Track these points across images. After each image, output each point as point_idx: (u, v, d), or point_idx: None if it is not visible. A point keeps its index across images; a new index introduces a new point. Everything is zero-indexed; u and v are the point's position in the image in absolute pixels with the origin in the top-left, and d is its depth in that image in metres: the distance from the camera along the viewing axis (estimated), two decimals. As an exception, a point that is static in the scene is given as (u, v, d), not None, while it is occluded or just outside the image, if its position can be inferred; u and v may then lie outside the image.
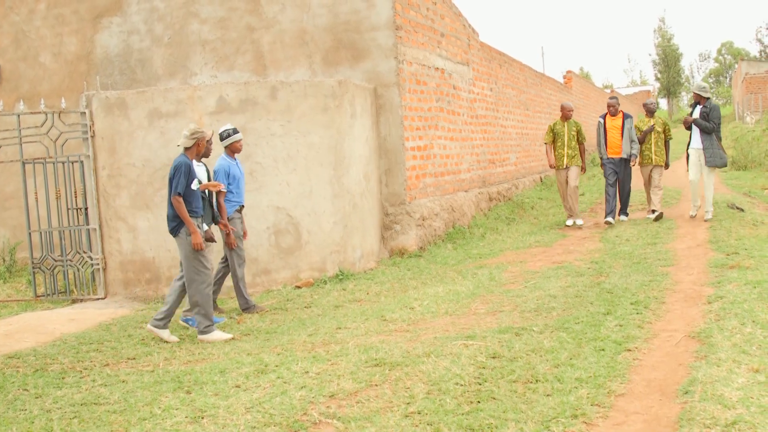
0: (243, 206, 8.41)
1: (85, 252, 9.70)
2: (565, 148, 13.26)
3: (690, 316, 6.55)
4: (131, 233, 9.44)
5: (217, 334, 7.19)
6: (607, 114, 13.20)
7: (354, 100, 9.92)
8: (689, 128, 12.31)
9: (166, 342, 7.19)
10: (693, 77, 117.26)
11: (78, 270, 9.73)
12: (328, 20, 11.06)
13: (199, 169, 7.64)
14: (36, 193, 10.01)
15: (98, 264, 9.63)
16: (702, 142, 12.04)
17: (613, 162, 13.05)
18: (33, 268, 9.91)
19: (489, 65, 16.21)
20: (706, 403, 4.34)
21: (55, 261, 9.78)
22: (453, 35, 13.60)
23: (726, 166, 12.56)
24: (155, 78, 12.04)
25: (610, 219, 12.70)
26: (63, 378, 5.91)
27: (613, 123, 13.07)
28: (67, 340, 7.29)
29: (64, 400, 5.28)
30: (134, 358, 6.52)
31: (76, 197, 9.82)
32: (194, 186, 7.23)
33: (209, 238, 7.49)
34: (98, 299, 9.57)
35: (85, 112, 9.61)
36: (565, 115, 13.40)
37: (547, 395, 4.70)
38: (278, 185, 9.31)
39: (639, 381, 4.97)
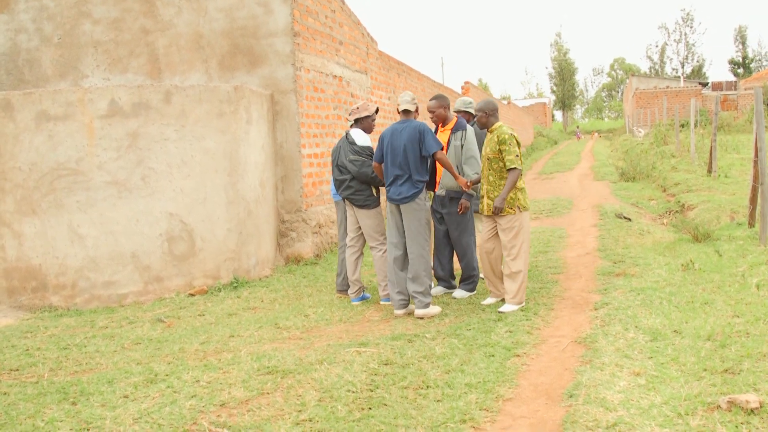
0: None
1: (-34, 259, 9.29)
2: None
3: (577, 322, 6.77)
4: (16, 240, 9.09)
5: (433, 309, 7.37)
6: (438, 125, 8.31)
7: (250, 106, 9.84)
8: None
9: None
10: (587, 90, 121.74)
11: (-42, 278, 9.30)
12: (225, 25, 10.94)
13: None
14: None
15: (-20, 271, 9.23)
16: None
17: (439, 201, 8.13)
18: None
19: (387, 74, 16.34)
20: (589, 406, 4.49)
21: (-66, 268, 9.33)
22: (352, 43, 13.65)
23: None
24: (44, 79, 11.65)
25: (438, 289, 8.33)
26: (-62, 391, 5.64)
27: (439, 138, 8.09)
28: (-55, 351, 6.96)
29: (-61, 415, 5.04)
30: (17, 369, 6.26)
31: (-43, 202, 9.39)
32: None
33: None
34: (-20, 308, 9.17)
35: (-33, 113, 9.21)
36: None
37: (438, 401, 4.78)
38: (172, 191, 9.13)
39: (526, 386, 5.10)
